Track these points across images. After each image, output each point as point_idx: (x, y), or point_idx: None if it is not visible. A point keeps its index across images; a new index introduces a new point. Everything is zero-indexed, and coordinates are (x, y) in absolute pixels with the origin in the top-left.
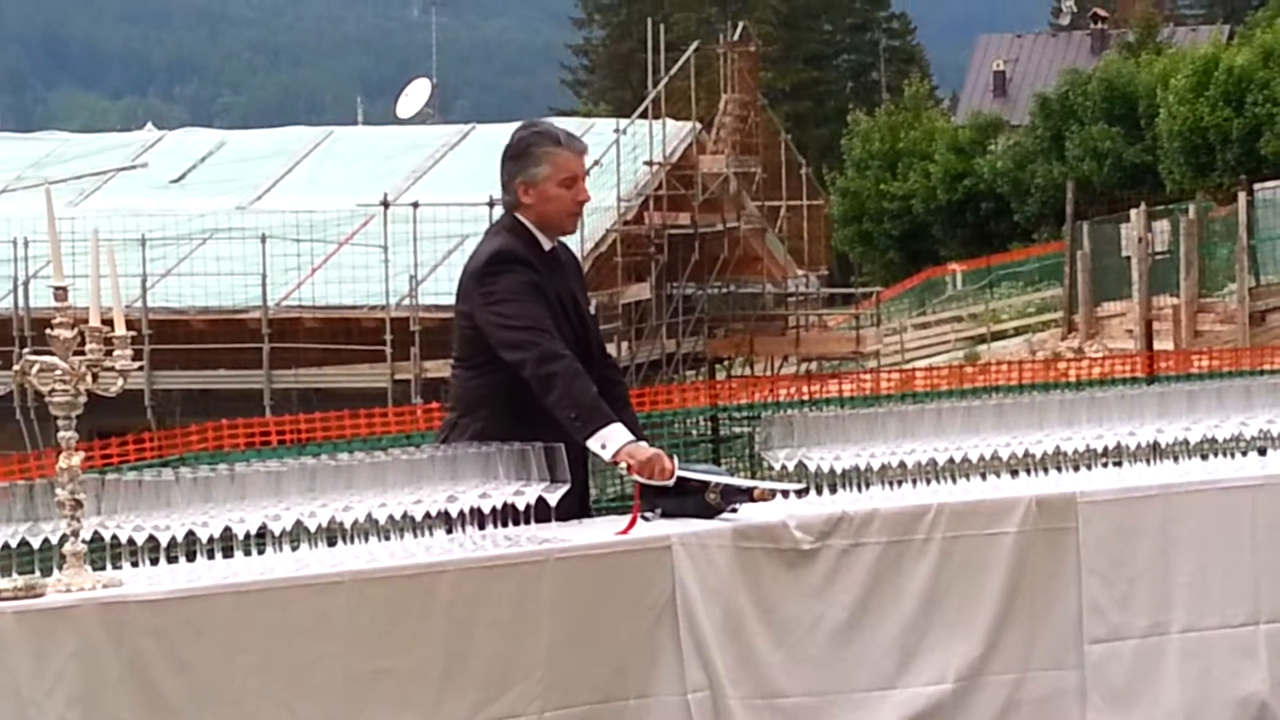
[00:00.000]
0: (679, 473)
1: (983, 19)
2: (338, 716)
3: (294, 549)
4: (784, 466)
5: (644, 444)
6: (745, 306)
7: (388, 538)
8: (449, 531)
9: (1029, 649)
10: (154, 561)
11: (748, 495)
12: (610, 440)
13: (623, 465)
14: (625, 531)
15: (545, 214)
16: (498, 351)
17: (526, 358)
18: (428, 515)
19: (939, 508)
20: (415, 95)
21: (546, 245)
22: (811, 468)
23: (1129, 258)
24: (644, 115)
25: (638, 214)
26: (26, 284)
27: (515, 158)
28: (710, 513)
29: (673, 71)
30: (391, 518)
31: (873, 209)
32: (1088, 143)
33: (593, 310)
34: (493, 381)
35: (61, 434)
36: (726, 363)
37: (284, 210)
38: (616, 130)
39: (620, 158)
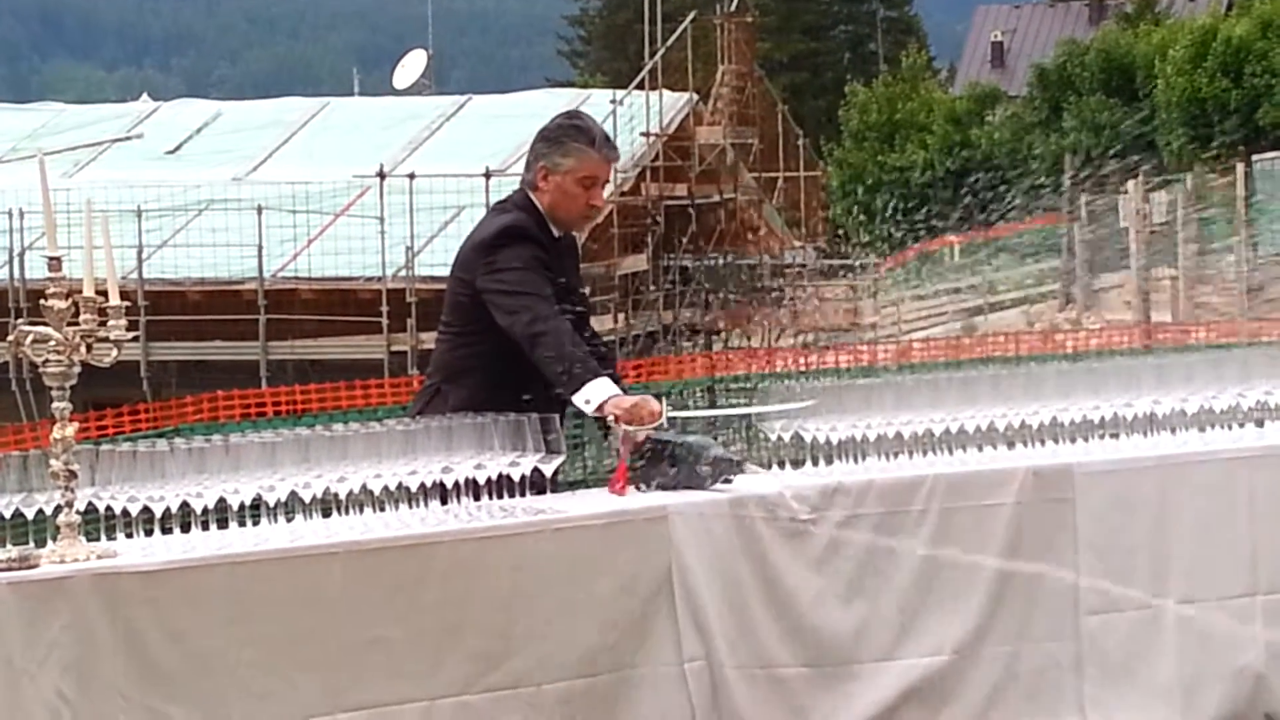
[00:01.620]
0: (665, 434)
1: None
2: (333, 687)
3: (289, 520)
4: (780, 438)
5: (624, 403)
6: (742, 278)
7: (383, 508)
8: (444, 502)
9: (1025, 621)
10: (148, 532)
11: (739, 467)
12: (594, 395)
13: (610, 416)
14: (620, 490)
15: (556, 206)
16: (494, 315)
17: (518, 319)
18: (423, 486)
19: (935, 479)
20: (411, 66)
21: (555, 232)
22: (808, 439)
23: (1127, 229)
24: (641, 86)
25: (634, 185)
26: (21, 255)
27: (547, 140)
28: (702, 484)
29: (670, 43)
30: (386, 488)
31: (870, 180)
32: (1085, 114)
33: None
34: (478, 352)
35: (56, 405)
36: (723, 334)
37: (280, 181)
38: (613, 101)
39: (617, 129)
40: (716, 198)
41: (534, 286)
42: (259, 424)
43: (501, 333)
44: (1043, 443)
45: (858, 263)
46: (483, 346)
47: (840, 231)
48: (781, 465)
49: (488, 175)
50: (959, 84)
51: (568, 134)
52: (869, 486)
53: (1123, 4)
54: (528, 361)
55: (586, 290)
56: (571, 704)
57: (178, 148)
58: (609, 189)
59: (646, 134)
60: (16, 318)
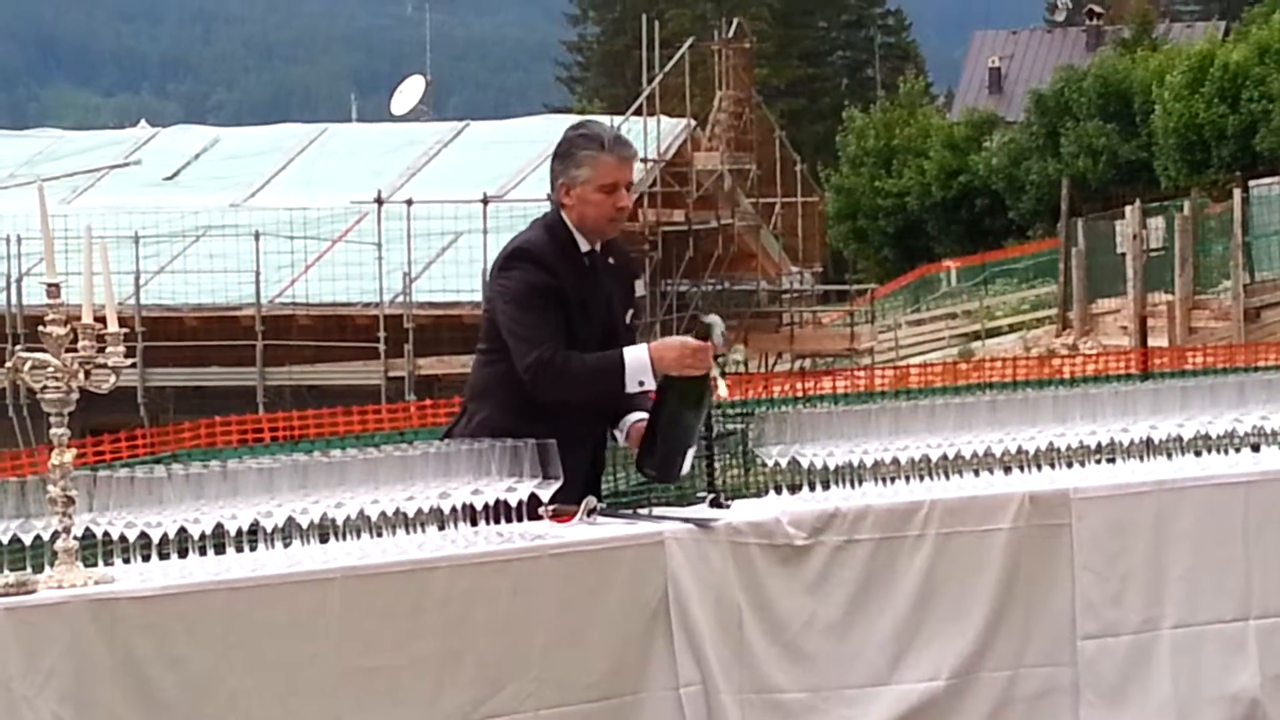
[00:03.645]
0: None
1: (978, 15)
2: (332, 714)
3: (286, 546)
4: (777, 463)
5: (667, 341)
6: (740, 303)
7: (380, 534)
8: (441, 528)
9: (1022, 645)
10: (146, 558)
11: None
12: (641, 373)
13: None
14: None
15: (584, 217)
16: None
17: (522, 373)
18: (420, 512)
19: (932, 504)
20: (409, 92)
21: (585, 246)
22: (805, 464)
23: (1124, 254)
24: (638, 112)
25: (632, 211)
26: (19, 281)
27: (559, 156)
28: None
29: (667, 68)
30: (384, 514)
31: (867, 206)
32: (1083, 139)
33: (629, 319)
34: (500, 371)
35: (54, 431)
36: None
37: (277, 207)
38: (611, 127)
39: None
40: (714, 223)
41: (535, 326)
42: (256, 450)
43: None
44: (1039, 468)
45: (855, 288)
46: (503, 366)
47: (838, 256)
48: (778, 490)
49: (485, 201)
50: (956, 110)
51: (577, 145)
52: (866, 512)
53: (1120, 30)
54: None
55: (636, 309)
56: None
57: (175, 174)
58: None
59: (644, 160)
60: (14, 344)
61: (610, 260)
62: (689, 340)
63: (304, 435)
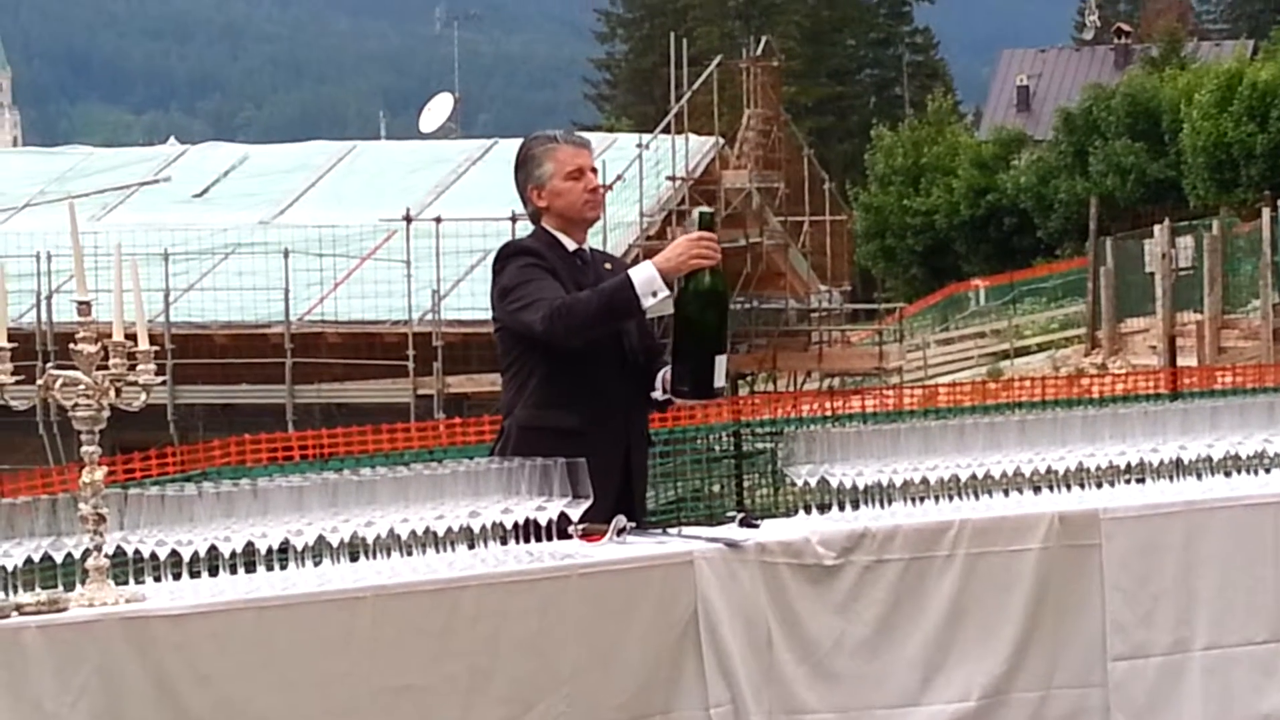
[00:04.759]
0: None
1: (1006, 33)
2: None
3: (316, 564)
4: (806, 482)
5: (665, 253)
6: (768, 322)
7: (410, 553)
8: (471, 547)
9: (1052, 666)
10: (176, 576)
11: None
12: (652, 284)
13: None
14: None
15: (561, 209)
16: (532, 334)
17: (537, 327)
18: (450, 531)
19: (961, 524)
20: (438, 110)
21: (571, 246)
22: (834, 484)
23: (1152, 274)
24: (666, 130)
25: (660, 229)
26: (49, 298)
27: (521, 166)
28: (735, 538)
29: (695, 86)
30: (414, 533)
31: (896, 224)
32: (1111, 158)
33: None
34: (521, 375)
35: (84, 448)
36: (749, 378)
37: (307, 225)
38: (639, 145)
39: (643, 173)
40: (742, 241)
41: (531, 292)
42: (286, 468)
43: (532, 358)
44: (1069, 488)
45: (883, 306)
46: (522, 369)
47: (866, 275)
48: (808, 510)
49: (514, 219)
50: (984, 128)
51: (532, 148)
52: (895, 531)
53: (1148, 48)
54: (565, 381)
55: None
56: None
57: (205, 191)
58: (635, 233)
59: (672, 178)
60: (45, 361)
61: (608, 265)
62: (689, 234)
63: (333, 453)
